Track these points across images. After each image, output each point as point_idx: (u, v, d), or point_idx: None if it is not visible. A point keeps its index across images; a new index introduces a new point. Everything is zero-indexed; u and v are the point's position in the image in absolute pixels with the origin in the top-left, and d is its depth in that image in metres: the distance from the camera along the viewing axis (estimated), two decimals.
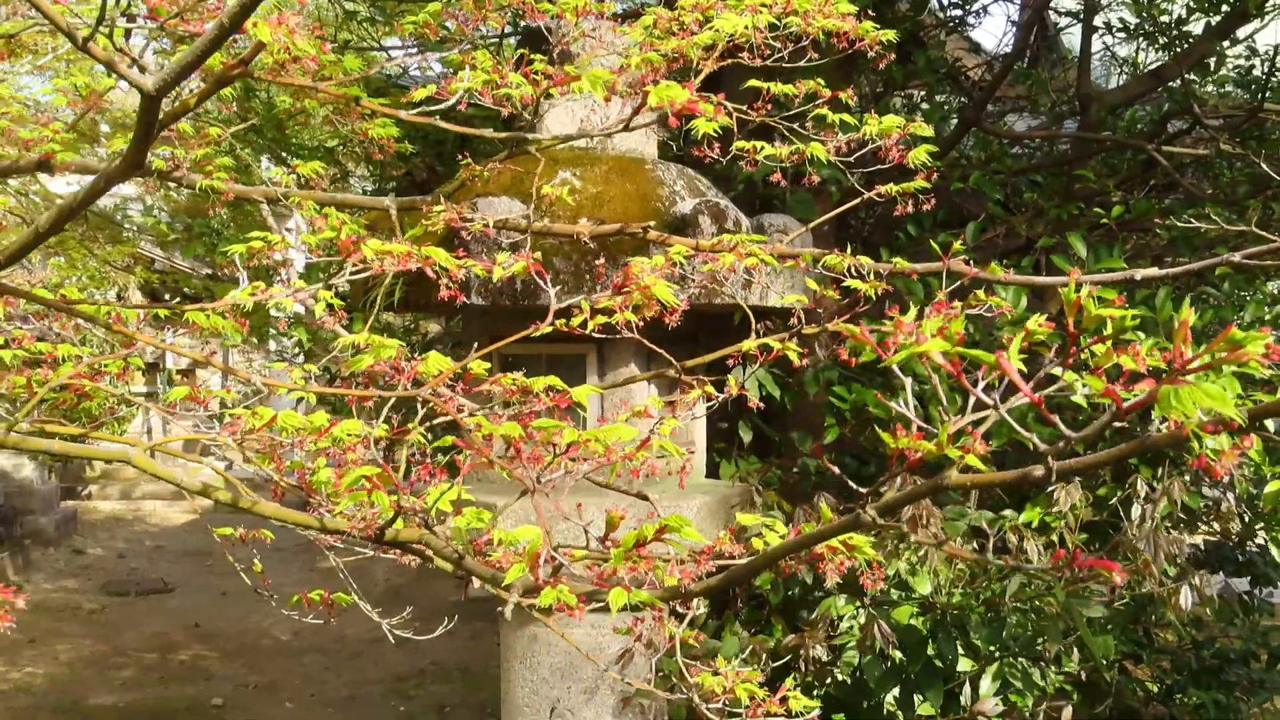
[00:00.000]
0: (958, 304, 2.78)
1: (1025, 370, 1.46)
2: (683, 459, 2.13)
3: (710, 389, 2.91)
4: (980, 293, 2.84)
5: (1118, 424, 1.35)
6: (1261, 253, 2.93)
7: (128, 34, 1.88)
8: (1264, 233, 2.99)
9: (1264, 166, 5.41)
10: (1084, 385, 1.41)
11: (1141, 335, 4.26)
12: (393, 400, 2.09)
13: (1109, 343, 1.37)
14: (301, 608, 2.52)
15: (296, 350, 9.18)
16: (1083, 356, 1.42)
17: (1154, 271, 3.16)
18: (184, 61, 1.65)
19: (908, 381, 1.55)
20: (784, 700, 2.13)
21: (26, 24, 2.60)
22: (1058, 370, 1.49)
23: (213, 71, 2.20)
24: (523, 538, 1.90)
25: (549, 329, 2.33)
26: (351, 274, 2.29)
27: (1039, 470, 1.42)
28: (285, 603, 2.53)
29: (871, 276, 2.92)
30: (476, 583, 2.15)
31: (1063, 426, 1.40)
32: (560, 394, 2.05)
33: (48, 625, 9.47)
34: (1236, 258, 2.93)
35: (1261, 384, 4.18)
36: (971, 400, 1.50)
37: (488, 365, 2.21)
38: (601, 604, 1.92)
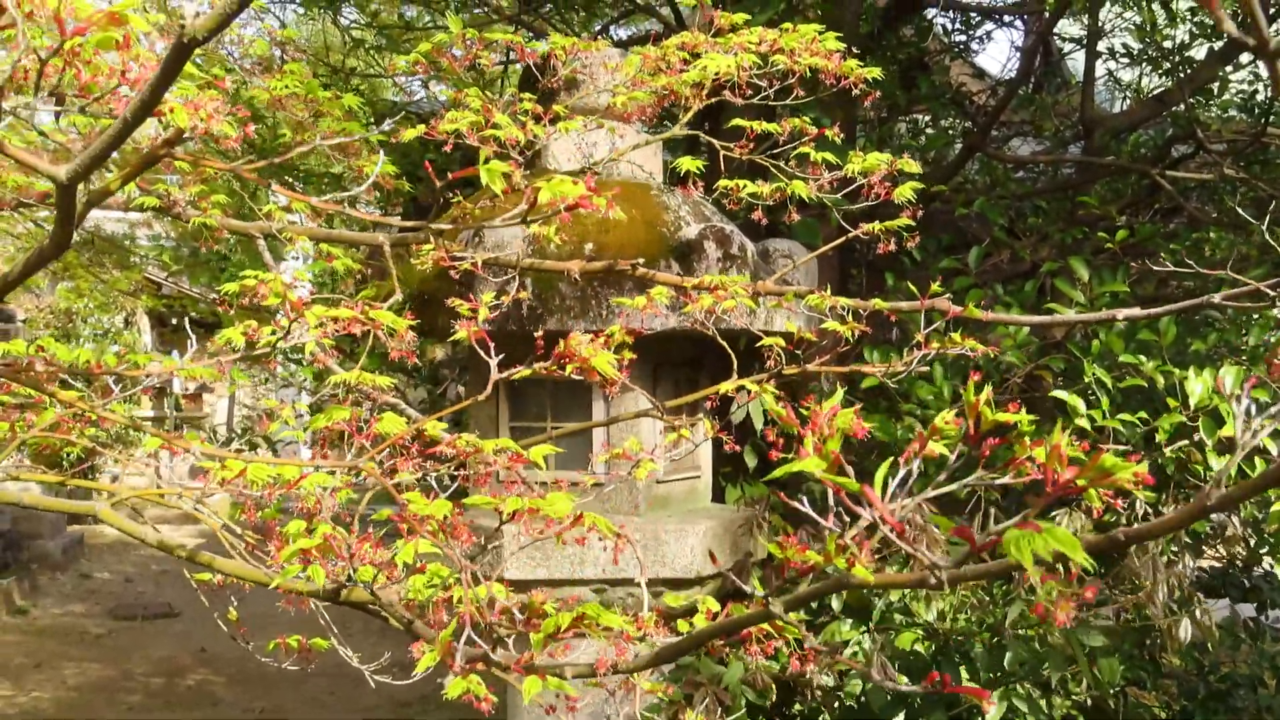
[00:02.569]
0: (935, 344, 2.79)
1: (949, 455, 1.51)
2: (612, 532, 2.13)
3: (696, 429, 2.92)
4: (956, 335, 2.85)
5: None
6: (1240, 294, 2.96)
7: (57, 115, 1.91)
8: (1241, 277, 3.02)
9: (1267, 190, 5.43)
10: (1000, 477, 1.46)
11: (1143, 359, 4.27)
12: (353, 451, 2.10)
13: (1020, 440, 1.42)
14: (295, 635, 2.52)
15: (303, 373, 9.21)
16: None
17: (1136, 312, 3.20)
18: (94, 153, 1.68)
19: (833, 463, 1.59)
20: None
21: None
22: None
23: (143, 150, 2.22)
24: (484, 595, 1.90)
25: (545, 365, 2.34)
26: (322, 340, 2.28)
27: (932, 579, 1.47)
28: (264, 648, 2.53)
29: (852, 317, 2.92)
30: None
31: (932, 558, 1.47)
32: (516, 455, 2.06)
33: (55, 649, 9.46)
34: (1217, 299, 2.97)
35: (1267, 408, 4.19)
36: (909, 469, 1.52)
37: (445, 425, 2.21)
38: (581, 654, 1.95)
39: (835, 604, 4.05)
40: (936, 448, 1.49)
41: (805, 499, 1.62)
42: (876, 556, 1.56)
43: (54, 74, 1.69)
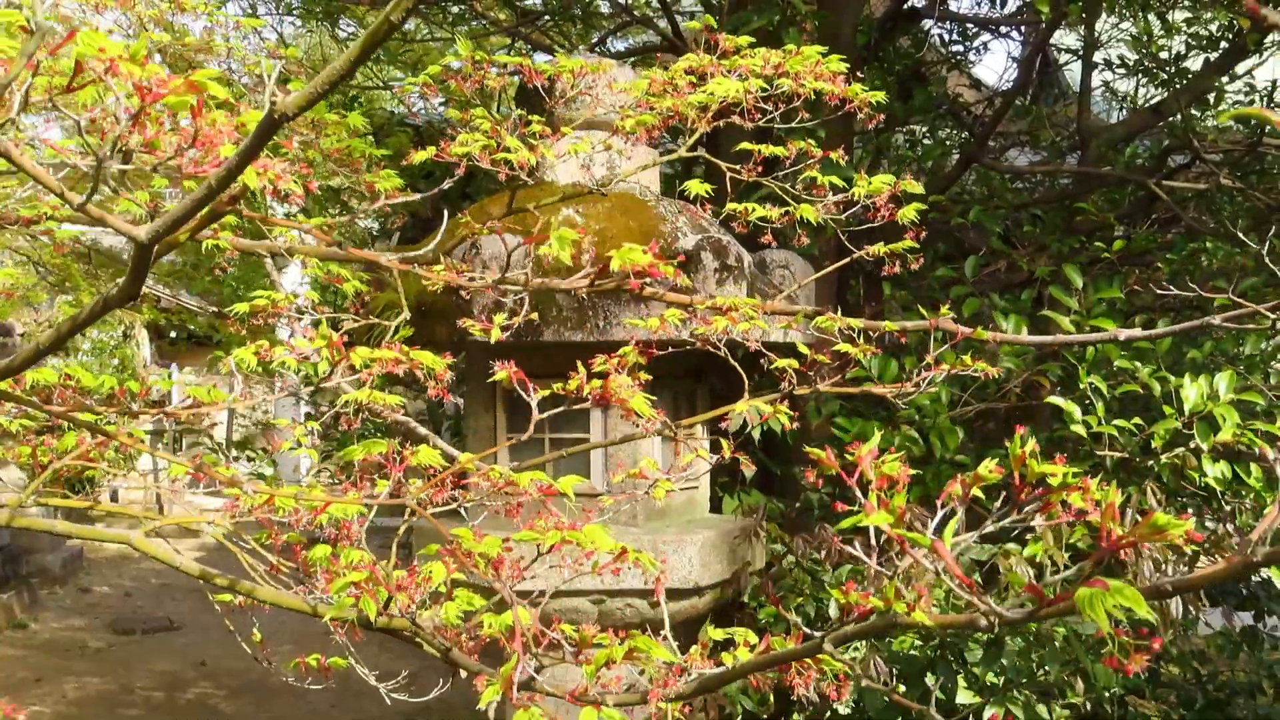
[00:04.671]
0: (945, 365, 2.81)
1: (987, 506, 1.54)
2: (659, 570, 2.16)
3: (704, 454, 2.93)
4: (966, 358, 2.87)
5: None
6: (1238, 315, 2.99)
7: (123, 173, 1.94)
8: (1241, 300, 3.05)
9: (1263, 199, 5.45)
10: (1036, 544, 1.48)
11: (1139, 364, 4.29)
12: (391, 484, 2.13)
13: (1059, 489, 1.47)
14: (305, 647, 2.54)
15: (302, 382, 9.22)
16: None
17: (1136, 332, 3.23)
18: (174, 215, 1.71)
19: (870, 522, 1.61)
20: None
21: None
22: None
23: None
24: (510, 622, 1.93)
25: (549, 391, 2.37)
26: (340, 381, 2.32)
27: (983, 621, 1.49)
28: (282, 656, 2.55)
29: (861, 338, 2.94)
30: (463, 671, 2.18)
31: (994, 606, 1.49)
32: (548, 487, 2.09)
33: (55, 664, 9.46)
34: (1216, 320, 2.99)
35: (1263, 414, 4.21)
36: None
37: (476, 462, 2.24)
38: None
39: (833, 610, 4.06)
40: (948, 541, 1.53)
41: (820, 504, 1.64)
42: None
43: (127, 135, 1.72)
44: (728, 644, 2.21)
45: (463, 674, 2.14)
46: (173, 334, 17.76)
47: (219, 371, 2.60)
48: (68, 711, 8.26)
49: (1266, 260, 4.10)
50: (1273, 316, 2.86)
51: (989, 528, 1.55)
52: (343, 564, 1.98)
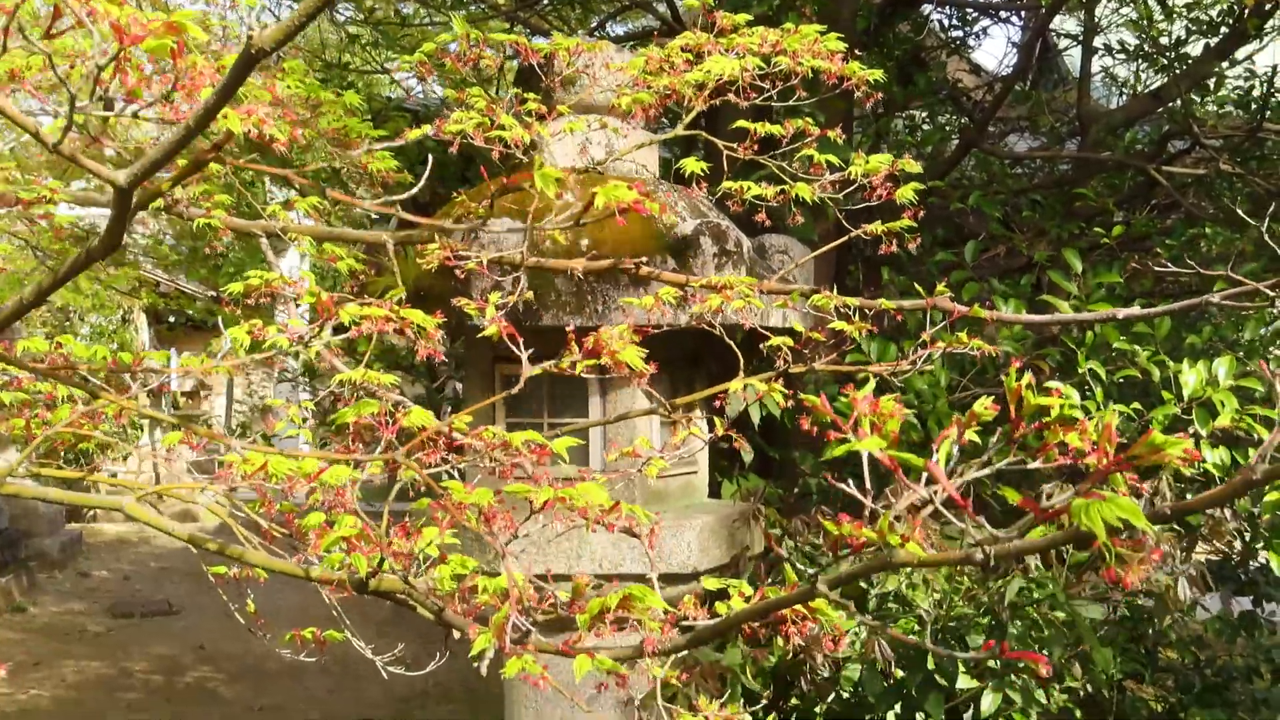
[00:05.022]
0: (941, 343, 2.80)
1: (981, 443, 1.53)
2: (652, 522, 2.14)
3: (699, 431, 2.93)
4: (962, 335, 2.86)
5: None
6: (1237, 294, 2.98)
7: (105, 120, 1.92)
8: (1239, 276, 3.05)
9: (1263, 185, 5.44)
10: (1033, 460, 1.48)
11: (1138, 348, 4.29)
12: (382, 446, 2.12)
13: (1054, 425, 1.45)
14: (302, 631, 2.53)
15: (301, 370, 9.21)
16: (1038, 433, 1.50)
17: (1136, 311, 3.23)
18: (153, 158, 1.70)
19: (864, 456, 1.60)
20: None
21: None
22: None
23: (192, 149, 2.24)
24: (505, 585, 1.92)
25: (542, 369, 2.36)
26: (329, 340, 2.31)
27: (979, 555, 1.48)
28: (280, 638, 2.55)
29: (857, 316, 2.93)
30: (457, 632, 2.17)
31: (988, 527, 1.48)
32: (541, 448, 2.08)
33: (54, 647, 9.47)
34: (1216, 299, 2.98)
35: (1261, 399, 4.21)
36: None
37: (469, 419, 2.22)
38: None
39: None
40: (944, 462, 1.51)
41: (831, 486, 1.63)
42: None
43: (107, 79, 1.71)
44: (722, 595, 2.20)
45: (455, 634, 2.13)
46: (171, 319, 17.76)
47: (214, 354, 2.59)
48: (66, 695, 8.27)
49: (1268, 239, 4.09)
50: (1273, 294, 2.86)
51: (983, 472, 1.54)
52: (327, 543, 1.97)
